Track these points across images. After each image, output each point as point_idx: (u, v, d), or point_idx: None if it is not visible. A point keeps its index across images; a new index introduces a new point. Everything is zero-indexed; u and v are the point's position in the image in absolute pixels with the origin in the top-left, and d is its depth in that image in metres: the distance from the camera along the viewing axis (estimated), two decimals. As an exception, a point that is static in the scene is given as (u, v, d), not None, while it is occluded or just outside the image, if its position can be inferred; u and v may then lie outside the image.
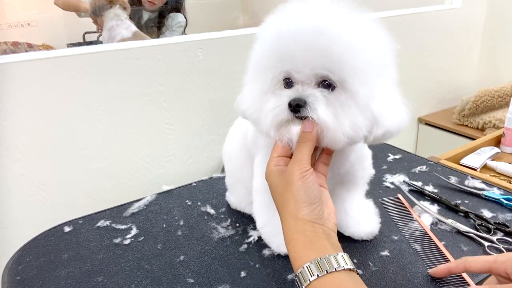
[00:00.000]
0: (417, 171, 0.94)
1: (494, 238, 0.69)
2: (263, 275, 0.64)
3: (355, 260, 0.66)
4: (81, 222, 0.81)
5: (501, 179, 1.11)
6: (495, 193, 0.82)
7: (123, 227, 0.79)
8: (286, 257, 0.67)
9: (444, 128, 1.66)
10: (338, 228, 0.53)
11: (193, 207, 0.85)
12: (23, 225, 1.02)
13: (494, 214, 0.76)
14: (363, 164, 0.68)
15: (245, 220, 0.78)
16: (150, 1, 1.79)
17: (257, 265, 0.66)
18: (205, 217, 0.81)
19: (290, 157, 0.53)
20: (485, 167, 1.19)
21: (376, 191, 0.86)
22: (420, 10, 1.60)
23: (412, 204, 0.80)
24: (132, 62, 1.05)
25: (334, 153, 0.57)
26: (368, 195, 0.74)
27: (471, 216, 0.75)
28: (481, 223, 0.73)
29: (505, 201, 0.79)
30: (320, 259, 0.46)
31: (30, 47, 1.88)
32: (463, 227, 0.72)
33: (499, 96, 1.60)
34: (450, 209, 0.79)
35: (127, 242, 0.74)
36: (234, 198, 0.82)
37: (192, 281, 0.63)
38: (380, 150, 1.03)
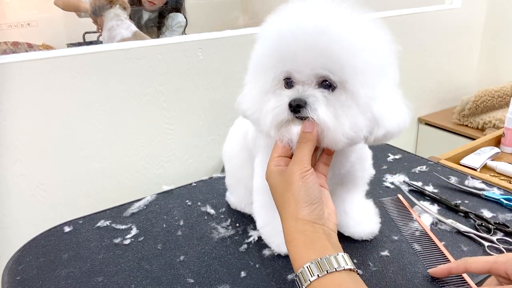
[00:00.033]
0: (417, 171, 0.94)
1: (494, 238, 0.69)
2: (263, 275, 0.64)
3: (355, 260, 0.66)
4: (81, 222, 0.81)
5: (501, 179, 1.11)
6: (495, 193, 0.82)
7: (123, 227, 0.79)
8: (286, 257, 0.67)
9: (444, 128, 1.66)
10: (338, 228, 0.53)
11: (193, 207, 0.85)
12: (23, 225, 1.02)
13: (494, 214, 0.76)
14: (363, 164, 0.68)
15: (245, 220, 0.78)
16: (150, 1, 1.79)
17: (257, 265, 0.66)
18: (205, 217, 0.81)
19: (291, 157, 0.53)
20: (485, 167, 1.19)
21: (376, 191, 0.86)
22: (420, 10, 1.60)
23: (412, 204, 0.80)
24: (132, 62, 1.05)
25: (335, 154, 0.57)
26: (368, 195, 0.74)
27: (471, 216, 0.75)
28: (481, 223, 0.73)
29: (505, 201, 0.79)
30: (321, 259, 0.46)
31: (30, 47, 1.88)
32: (463, 227, 0.72)
33: (499, 96, 1.60)
34: (450, 209, 0.79)
35: (127, 242, 0.74)
36: (234, 198, 0.82)
37: (192, 281, 0.63)
38: (380, 150, 1.03)
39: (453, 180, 0.89)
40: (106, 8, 1.58)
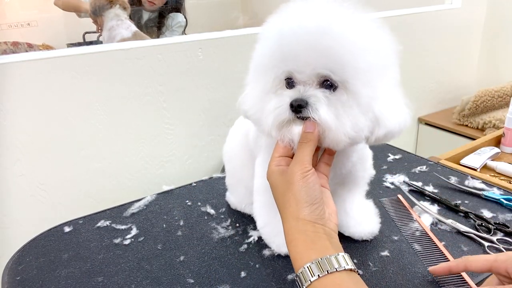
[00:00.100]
0: (417, 171, 0.94)
1: (494, 238, 0.69)
2: (263, 275, 0.64)
3: (355, 260, 0.66)
4: (81, 222, 0.81)
5: (501, 179, 1.11)
6: (495, 193, 0.82)
7: (123, 227, 0.78)
8: (286, 257, 0.67)
9: (444, 128, 1.66)
10: (338, 228, 0.53)
11: (193, 207, 0.85)
12: (23, 225, 1.02)
13: (494, 214, 0.76)
14: (364, 165, 0.68)
15: (245, 220, 0.78)
16: (150, 1, 1.79)
17: (257, 265, 0.66)
18: (205, 217, 0.81)
19: (292, 157, 0.53)
20: (485, 167, 1.19)
21: (376, 191, 0.86)
22: (420, 10, 1.60)
23: (412, 204, 0.80)
24: (132, 62, 1.05)
25: (336, 154, 0.57)
26: (368, 195, 0.74)
27: (471, 216, 0.75)
28: (481, 223, 0.73)
29: (505, 201, 0.79)
30: (321, 259, 0.46)
31: (30, 47, 1.88)
32: (463, 227, 0.72)
33: (499, 96, 1.60)
34: (450, 209, 0.79)
35: (127, 242, 0.74)
36: (235, 198, 0.82)
37: (192, 281, 0.63)
38: (380, 150, 1.03)
39: (453, 180, 0.89)
40: (106, 8, 1.58)
